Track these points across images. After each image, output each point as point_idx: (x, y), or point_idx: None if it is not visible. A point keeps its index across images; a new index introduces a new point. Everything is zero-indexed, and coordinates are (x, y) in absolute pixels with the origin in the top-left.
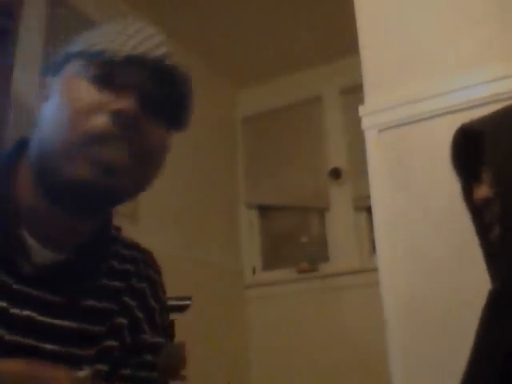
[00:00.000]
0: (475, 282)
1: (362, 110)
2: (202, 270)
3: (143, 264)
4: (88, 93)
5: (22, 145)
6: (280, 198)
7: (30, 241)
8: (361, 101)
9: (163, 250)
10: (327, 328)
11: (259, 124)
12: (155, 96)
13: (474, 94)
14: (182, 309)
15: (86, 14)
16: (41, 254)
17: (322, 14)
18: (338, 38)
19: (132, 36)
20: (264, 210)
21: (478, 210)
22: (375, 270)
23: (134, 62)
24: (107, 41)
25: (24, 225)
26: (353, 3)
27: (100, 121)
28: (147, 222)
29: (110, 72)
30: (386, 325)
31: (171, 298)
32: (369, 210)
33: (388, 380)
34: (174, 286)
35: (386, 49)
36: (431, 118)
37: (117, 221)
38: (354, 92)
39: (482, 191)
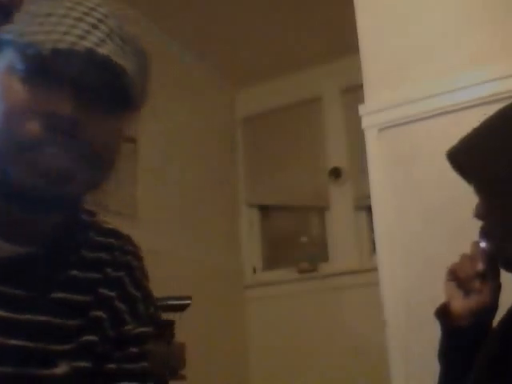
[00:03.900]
0: None
1: (361, 109)
2: (202, 270)
3: (119, 251)
4: (18, 92)
5: None
6: (280, 197)
7: None
8: (361, 100)
9: (163, 250)
10: (327, 328)
11: (259, 124)
12: (90, 88)
13: (474, 93)
14: (181, 308)
15: None
16: (4, 249)
17: (322, 14)
18: (337, 37)
19: (60, 22)
20: (264, 210)
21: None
22: (375, 269)
23: (62, 54)
24: (35, 29)
25: None
26: (353, 3)
27: (30, 126)
28: (147, 222)
29: (39, 67)
30: (386, 325)
31: (171, 298)
32: (369, 209)
33: (388, 380)
34: (174, 286)
35: (386, 49)
36: (431, 117)
37: (117, 221)
38: (354, 92)
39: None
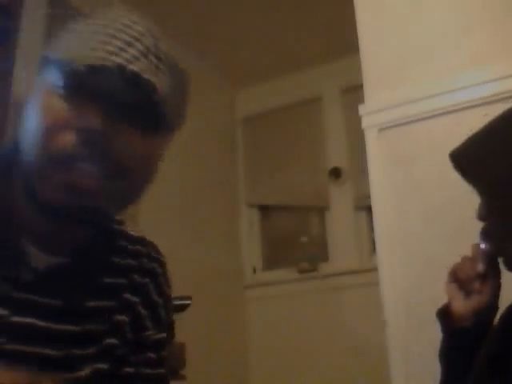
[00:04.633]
0: None
1: (362, 109)
2: (202, 270)
3: (147, 258)
4: (56, 108)
5: (18, 149)
6: (280, 197)
7: (29, 248)
8: (361, 100)
9: (163, 249)
10: (327, 328)
11: (259, 124)
12: (122, 104)
13: (474, 93)
14: (181, 308)
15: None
16: (40, 259)
17: (322, 14)
18: (337, 37)
19: (94, 39)
20: (264, 210)
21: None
22: (375, 269)
23: (95, 70)
24: (73, 46)
25: (22, 232)
26: (353, 3)
27: (66, 140)
28: (147, 221)
29: (74, 83)
30: (386, 325)
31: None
32: (369, 209)
33: (388, 380)
34: (173, 286)
35: (386, 49)
36: (431, 117)
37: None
38: (354, 92)
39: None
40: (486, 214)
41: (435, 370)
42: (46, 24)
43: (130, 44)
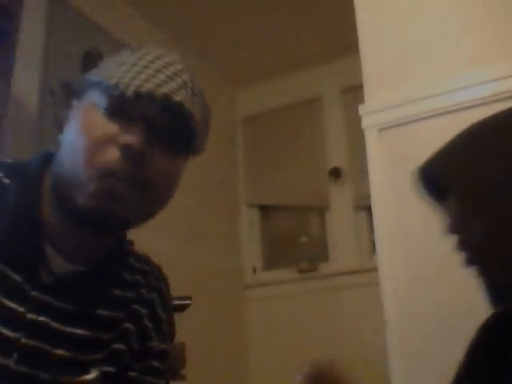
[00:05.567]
0: (476, 282)
1: (362, 109)
2: (202, 270)
3: (153, 277)
4: (100, 125)
5: (48, 158)
6: (280, 197)
7: (51, 252)
8: (361, 100)
9: (163, 249)
10: (327, 328)
11: (259, 124)
12: (161, 128)
13: (474, 93)
14: (181, 308)
15: (86, 14)
16: (60, 265)
17: (322, 14)
18: (337, 37)
19: (142, 71)
20: (264, 210)
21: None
22: (375, 269)
23: (142, 96)
24: (120, 74)
25: (45, 237)
26: (353, 3)
27: (111, 155)
28: (147, 222)
29: (120, 106)
30: (386, 325)
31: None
32: (369, 209)
33: (388, 380)
34: (173, 286)
35: (386, 49)
36: (431, 117)
37: None
38: (354, 92)
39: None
40: (463, 224)
41: (435, 369)
42: (46, 24)
43: (171, 78)
